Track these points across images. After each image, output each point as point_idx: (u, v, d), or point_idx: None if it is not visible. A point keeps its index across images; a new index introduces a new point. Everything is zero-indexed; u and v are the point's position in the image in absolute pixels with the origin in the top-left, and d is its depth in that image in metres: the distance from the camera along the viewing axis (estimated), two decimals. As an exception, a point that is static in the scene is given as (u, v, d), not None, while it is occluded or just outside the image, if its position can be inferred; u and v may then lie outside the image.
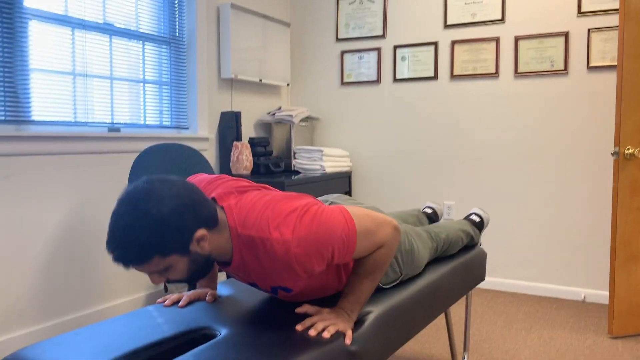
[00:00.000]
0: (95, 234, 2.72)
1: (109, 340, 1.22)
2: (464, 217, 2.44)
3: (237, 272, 1.33)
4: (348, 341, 1.26)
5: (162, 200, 1.09)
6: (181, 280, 1.19)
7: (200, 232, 1.15)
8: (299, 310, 1.34)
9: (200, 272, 1.21)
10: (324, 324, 1.27)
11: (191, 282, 1.22)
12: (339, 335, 1.27)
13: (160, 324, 1.32)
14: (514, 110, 3.42)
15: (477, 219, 2.28)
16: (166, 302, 1.45)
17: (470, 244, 2.23)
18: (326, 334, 1.24)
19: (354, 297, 1.35)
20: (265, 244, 1.20)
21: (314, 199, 1.32)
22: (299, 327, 1.27)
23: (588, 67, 3.19)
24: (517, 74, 3.38)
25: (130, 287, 2.93)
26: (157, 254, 1.09)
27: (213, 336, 1.28)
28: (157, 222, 1.07)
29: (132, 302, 2.93)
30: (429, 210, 2.39)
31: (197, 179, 1.43)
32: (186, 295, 1.47)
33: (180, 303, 1.44)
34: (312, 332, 1.24)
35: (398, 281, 1.66)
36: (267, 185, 1.41)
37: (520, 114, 3.40)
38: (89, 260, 2.70)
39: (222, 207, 1.26)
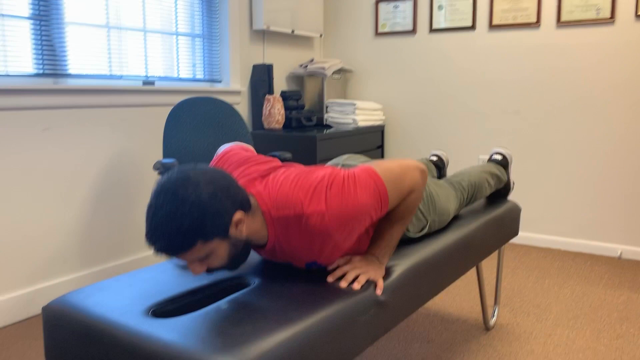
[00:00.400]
0: (132, 184, 2.79)
1: (148, 287, 1.27)
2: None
3: (271, 255, 1.35)
4: (379, 291, 1.27)
5: (198, 186, 1.10)
6: (222, 267, 1.20)
7: (238, 214, 1.16)
8: (330, 268, 1.34)
9: (240, 257, 1.21)
10: (355, 273, 1.28)
11: (231, 268, 1.22)
12: (370, 285, 1.29)
13: (196, 272, 1.36)
14: (555, 61, 3.29)
15: (499, 157, 2.23)
16: None
17: (500, 186, 2.18)
18: (356, 285, 1.25)
19: (384, 242, 1.36)
20: (300, 221, 1.22)
21: (334, 167, 1.32)
22: (330, 279, 1.28)
23: (637, 15, 3.02)
24: (560, 23, 3.23)
25: (167, 237, 3.02)
26: (199, 239, 1.10)
27: (247, 285, 1.31)
28: (197, 207, 1.08)
29: (170, 252, 3.02)
30: (434, 158, 2.36)
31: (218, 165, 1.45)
32: None
33: None
34: (343, 284, 1.26)
35: (426, 229, 1.67)
36: (287, 163, 1.42)
37: (561, 66, 3.28)
38: (128, 210, 2.78)
39: (251, 194, 1.27)
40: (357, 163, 1.72)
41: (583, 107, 3.24)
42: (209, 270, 1.20)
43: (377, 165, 1.32)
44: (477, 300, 2.57)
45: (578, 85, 3.24)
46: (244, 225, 1.18)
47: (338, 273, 1.29)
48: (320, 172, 1.27)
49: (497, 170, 2.15)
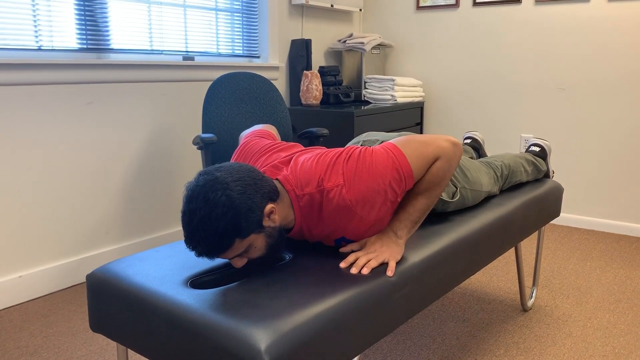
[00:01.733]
0: (172, 158, 2.84)
1: (187, 258, 1.30)
2: None
3: (300, 236, 1.35)
4: (390, 273, 1.22)
5: (227, 186, 1.12)
6: (262, 258, 1.21)
7: (269, 206, 1.17)
8: (343, 249, 1.32)
9: (278, 244, 1.22)
10: (366, 259, 1.25)
11: (271, 256, 1.23)
12: (405, 261, 1.28)
13: (233, 245, 1.38)
14: (605, 37, 3.15)
15: (536, 148, 2.17)
16: None
17: (539, 176, 2.13)
18: (365, 270, 1.21)
19: (405, 214, 1.30)
20: (322, 196, 1.23)
21: (353, 145, 1.33)
22: (342, 265, 1.25)
23: (696, -14, 2.85)
24: (612, -5, 3.08)
25: (205, 211, 3.07)
26: (237, 238, 1.12)
27: (282, 259, 1.32)
28: (229, 207, 1.11)
29: (208, 225, 3.08)
30: (468, 141, 2.31)
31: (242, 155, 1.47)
32: None
33: None
34: (354, 270, 1.22)
35: (457, 195, 1.64)
36: (308, 147, 1.43)
37: (612, 42, 3.13)
38: (168, 183, 2.84)
39: (277, 179, 1.29)
40: (377, 138, 1.71)
41: (633, 85, 3.10)
42: (251, 264, 1.22)
43: (398, 140, 1.30)
44: (515, 280, 2.53)
45: (628, 62, 3.09)
46: (276, 215, 1.20)
47: (350, 259, 1.26)
48: (339, 150, 1.30)
49: (534, 159, 2.10)
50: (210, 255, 1.13)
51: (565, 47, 3.28)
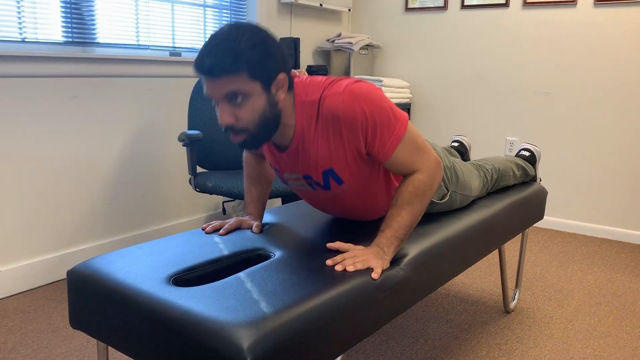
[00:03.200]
0: (157, 155, 2.81)
1: (170, 255, 1.29)
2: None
3: (294, 159, 1.36)
4: (375, 276, 1.20)
5: (261, 30, 1.19)
6: (246, 129, 1.20)
7: (282, 75, 1.21)
8: (330, 245, 1.31)
9: (268, 125, 1.23)
10: (353, 261, 1.23)
11: (253, 140, 1.22)
12: (391, 265, 1.28)
13: (218, 242, 1.37)
14: (591, 42, 3.19)
15: (526, 153, 2.19)
16: (207, 229, 1.45)
17: (527, 179, 2.16)
18: (350, 268, 1.20)
19: (390, 231, 1.29)
20: (322, 103, 1.26)
21: None
22: (329, 262, 1.23)
23: (680, -6, 2.90)
24: (598, 2, 3.12)
25: (190, 208, 3.06)
26: (246, 70, 1.14)
27: (267, 257, 1.32)
28: (254, 39, 1.15)
29: (192, 223, 3.07)
30: (455, 144, 2.32)
31: None
32: (228, 223, 1.46)
33: (220, 231, 1.43)
34: (339, 267, 1.20)
35: (447, 198, 1.65)
36: None
37: (598, 47, 3.17)
38: (152, 179, 2.81)
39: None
40: None
41: (616, 91, 3.14)
42: (234, 130, 1.21)
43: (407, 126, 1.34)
44: (498, 282, 2.55)
45: (614, 67, 3.13)
46: (283, 92, 1.23)
47: (338, 259, 1.24)
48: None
49: (524, 164, 2.11)
50: (215, 70, 1.13)
51: (552, 51, 3.31)
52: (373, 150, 1.30)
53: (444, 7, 3.65)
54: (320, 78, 1.32)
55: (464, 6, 3.57)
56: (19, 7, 2.21)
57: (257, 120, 1.21)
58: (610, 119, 3.18)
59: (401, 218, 1.30)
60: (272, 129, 1.26)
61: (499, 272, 2.65)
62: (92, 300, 1.18)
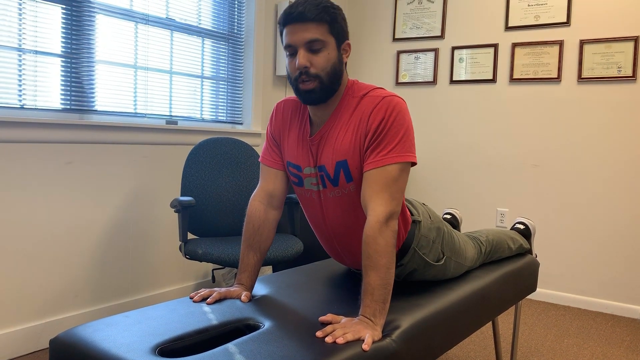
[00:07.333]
0: (148, 220, 2.80)
1: (157, 324, 1.25)
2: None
3: (317, 146, 1.46)
4: (365, 347, 1.18)
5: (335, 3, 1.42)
6: (317, 77, 1.37)
7: (348, 42, 1.43)
8: (322, 319, 1.30)
9: (335, 79, 1.40)
10: (343, 331, 1.22)
11: (323, 88, 1.38)
12: (382, 337, 1.26)
13: (206, 312, 1.35)
14: (576, 117, 3.29)
15: (521, 226, 2.21)
16: (195, 298, 1.44)
17: (523, 252, 2.16)
18: (340, 340, 1.18)
19: (367, 297, 1.29)
20: (362, 100, 1.43)
21: None
22: (319, 334, 1.22)
23: (658, 74, 3.03)
24: (581, 79, 3.24)
25: (179, 276, 3.01)
26: (327, 22, 1.36)
27: (257, 327, 1.29)
28: (334, 4, 1.39)
29: (181, 291, 3.01)
30: (447, 217, 2.34)
31: None
32: (217, 292, 1.45)
33: (208, 300, 1.42)
34: (329, 339, 1.19)
35: (442, 262, 1.64)
36: None
37: (582, 122, 3.27)
38: (142, 246, 2.79)
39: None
40: None
41: (603, 164, 3.21)
42: (308, 75, 1.36)
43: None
44: (493, 356, 2.48)
45: (600, 142, 3.22)
46: (347, 57, 1.44)
47: (328, 330, 1.23)
48: None
49: (519, 237, 2.13)
50: (304, 16, 1.33)
51: (538, 125, 3.41)
52: (367, 152, 1.39)
53: (433, 82, 3.78)
54: (368, 84, 1.51)
55: (452, 81, 3.70)
56: (20, 75, 2.27)
57: (329, 69, 1.38)
58: (597, 190, 3.23)
59: (370, 279, 1.30)
60: (336, 86, 1.42)
61: (494, 346, 2.59)
62: (73, 371, 1.14)
